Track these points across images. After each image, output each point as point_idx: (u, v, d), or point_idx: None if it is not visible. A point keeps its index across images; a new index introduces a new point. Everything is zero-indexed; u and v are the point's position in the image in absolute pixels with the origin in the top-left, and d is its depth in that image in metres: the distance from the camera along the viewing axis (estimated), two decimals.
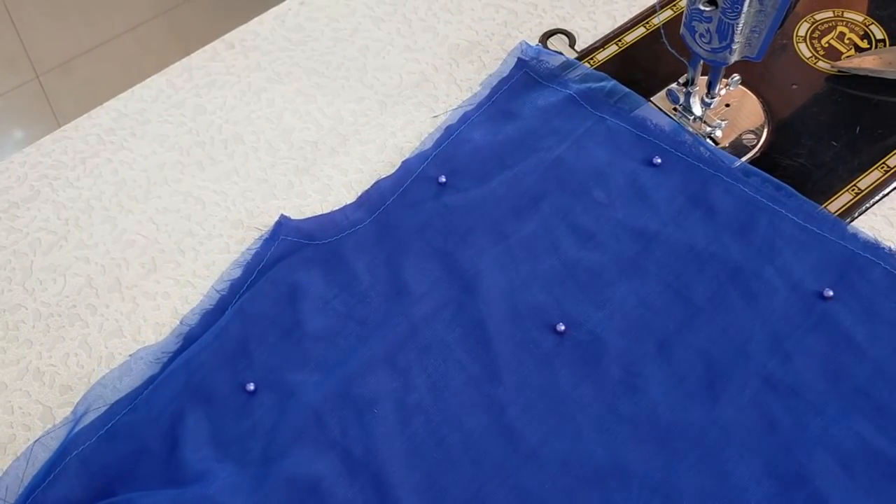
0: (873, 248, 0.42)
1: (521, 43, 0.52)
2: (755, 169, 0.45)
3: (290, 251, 0.46)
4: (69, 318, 0.47)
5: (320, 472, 0.39)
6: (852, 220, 0.44)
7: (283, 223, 0.47)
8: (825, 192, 0.45)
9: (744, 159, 0.46)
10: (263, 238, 0.47)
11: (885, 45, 0.50)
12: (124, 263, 0.48)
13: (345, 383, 0.41)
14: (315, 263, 0.45)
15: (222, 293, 0.45)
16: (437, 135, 0.50)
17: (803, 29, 0.52)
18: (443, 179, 0.47)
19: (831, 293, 0.40)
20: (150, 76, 0.56)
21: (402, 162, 0.49)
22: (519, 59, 0.52)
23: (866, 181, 0.45)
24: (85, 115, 0.55)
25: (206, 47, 0.58)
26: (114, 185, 0.52)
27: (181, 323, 0.45)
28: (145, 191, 0.51)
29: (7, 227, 0.51)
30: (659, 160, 0.46)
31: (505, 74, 0.52)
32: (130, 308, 0.47)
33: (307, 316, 0.43)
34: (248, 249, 0.47)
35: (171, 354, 0.44)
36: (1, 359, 0.46)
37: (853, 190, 0.45)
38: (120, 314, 0.47)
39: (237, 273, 0.46)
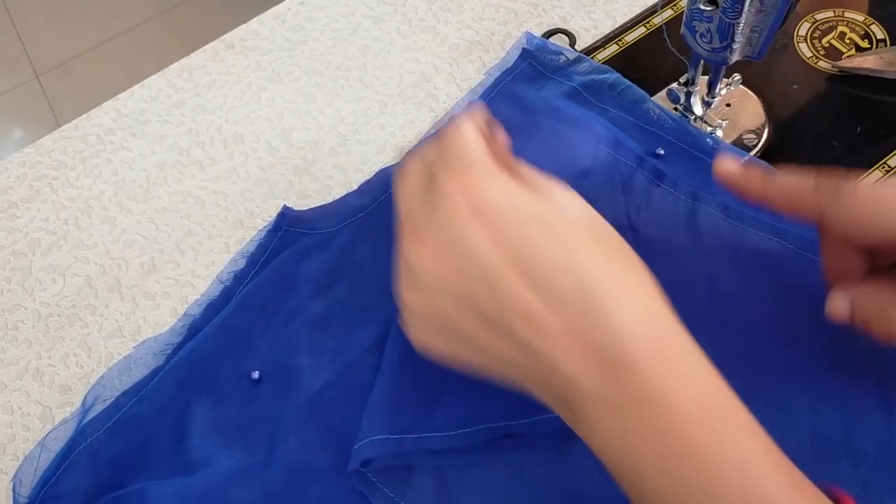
0: None
1: (525, 33, 0.52)
2: (758, 159, 0.45)
3: (292, 241, 0.46)
4: (68, 319, 0.47)
5: (326, 458, 0.39)
6: None
7: (285, 214, 0.47)
8: None
9: (745, 159, 0.46)
10: (267, 229, 0.47)
11: (885, 45, 0.50)
12: (124, 263, 0.48)
13: (348, 370, 0.41)
14: (317, 252, 0.45)
15: (226, 284, 0.46)
16: (442, 124, 0.50)
17: (804, 29, 0.52)
18: None
19: None
20: (149, 76, 0.56)
21: (406, 152, 0.49)
22: (524, 49, 0.51)
23: (867, 181, 0.45)
24: (84, 115, 0.55)
25: (206, 47, 0.57)
26: (113, 185, 0.52)
27: (185, 314, 0.45)
28: (145, 191, 0.51)
29: (6, 227, 0.51)
30: (662, 151, 0.46)
31: (509, 65, 0.51)
32: (130, 308, 0.47)
33: (310, 304, 0.43)
34: (251, 241, 0.47)
35: (175, 346, 0.44)
36: (0, 359, 0.46)
37: None
38: (119, 314, 0.46)
39: (241, 264, 0.46)
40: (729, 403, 0.26)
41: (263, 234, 0.47)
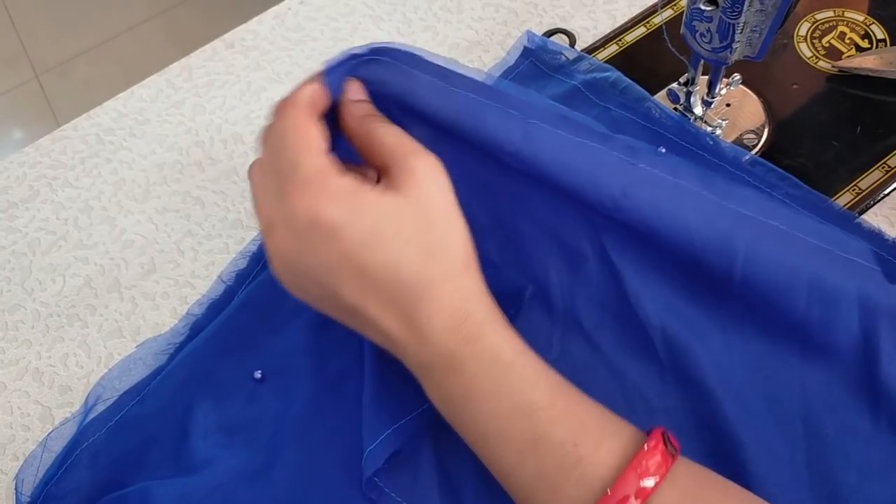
0: (878, 238, 0.41)
1: (526, 32, 0.52)
2: (759, 159, 0.45)
3: None
4: (68, 319, 0.47)
5: (328, 458, 0.39)
6: None
7: None
8: (826, 192, 0.45)
9: (745, 159, 0.46)
10: None
11: (885, 45, 0.50)
12: (123, 263, 0.48)
13: (350, 370, 0.41)
14: None
15: (228, 283, 0.46)
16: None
17: (804, 28, 0.52)
18: None
19: None
20: (149, 76, 0.56)
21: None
22: (525, 47, 0.51)
23: (867, 181, 0.45)
24: (84, 115, 0.55)
25: (206, 47, 0.57)
26: (113, 185, 0.52)
27: (188, 314, 0.45)
28: (144, 191, 0.51)
29: (6, 228, 0.50)
30: (663, 150, 0.46)
31: (510, 64, 0.51)
32: (129, 308, 0.47)
33: (307, 304, 0.43)
34: (252, 240, 0.47)
35: (177, 345, 0.44)
36: (0, 359, 0.46)
37: (854, 190, 0.45)
38: (119, 314, 0.46)
39: (243, 263, 0.46)
40: (516, 361, 0.32)
41: None
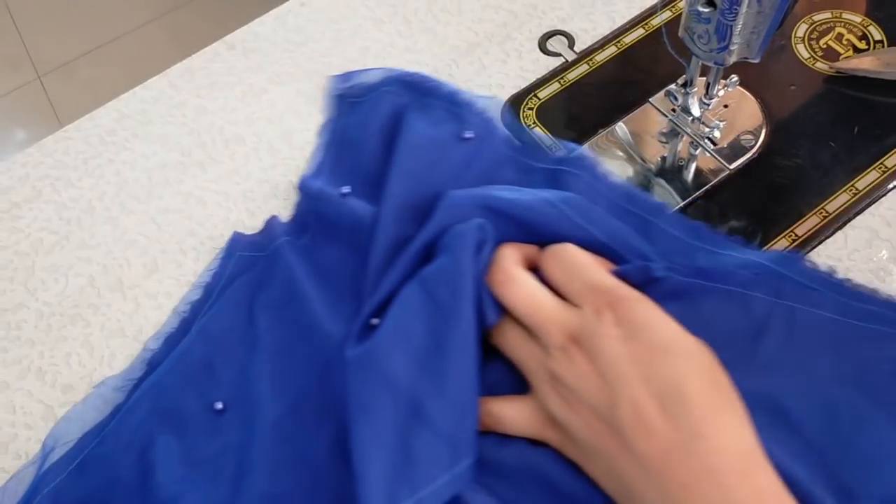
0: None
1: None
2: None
3: (246, 267, 0.46)
4: (71, 318, 0.47)
5: (290, 485, 0.38)
6: (849, 221, 0.45)
7: (235, 240, 0.47)
8: (823, 193, 0.45)
9: (742, 160, 0.47)
10: (220, 257, 0.47)
11: (883, 46, 0.51)
12: (126, 263, 0.49)
13: (306, 396, 0.40)
14: (267, 276, 0.44)
15: (184, 315, 0.45)
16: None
17: (801, 30, 0.52)
18: (346, 190, 0.47)
19: None
20: (151, 77, 0.57)
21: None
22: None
23: (864, 182, 0.46)
24: (86, 116, 0.55)
25: (207, 48, 0.58)
26: (115, 185, 0.52)
27: (145, 349, 0.44)
28: (147, 191, 0.51)
29: (9, 228, 0.51)
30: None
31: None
32: (132, 308, 0.47)
33: (266, 330, 0.43)
34: (206, 270, 0.47)
35: (135, 381, 0.43)
36: (3, 358, 0.46)
37: (851, 190, 0.45)
38: (122, 314, 0.47)
39: (198, 294, 0.46)
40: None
41: (217, 262, 0.47)
